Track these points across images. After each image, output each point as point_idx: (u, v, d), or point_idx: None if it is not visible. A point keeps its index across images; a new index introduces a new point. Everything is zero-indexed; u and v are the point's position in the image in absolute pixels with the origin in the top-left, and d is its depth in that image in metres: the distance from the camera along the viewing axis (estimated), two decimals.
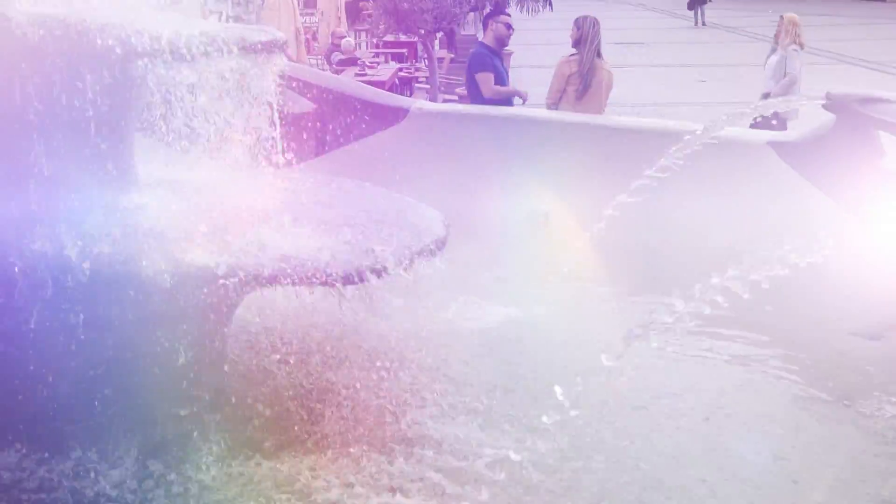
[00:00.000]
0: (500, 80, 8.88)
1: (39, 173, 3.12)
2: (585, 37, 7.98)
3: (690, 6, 34.29)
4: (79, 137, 3.15)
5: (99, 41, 2.88)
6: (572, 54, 8.18)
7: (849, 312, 4.78)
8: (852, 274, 4.89)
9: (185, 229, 3.13)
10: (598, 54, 8.06)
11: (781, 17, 10.53)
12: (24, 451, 3.18)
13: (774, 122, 8.51)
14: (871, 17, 34.57)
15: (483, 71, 8.70)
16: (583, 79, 7.96)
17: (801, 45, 10.46)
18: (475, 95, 8.75)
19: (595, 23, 8.05)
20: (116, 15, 3.09)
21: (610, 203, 4.80)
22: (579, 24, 8.08)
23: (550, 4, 18.00)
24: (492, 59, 8.83)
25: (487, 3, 15.03)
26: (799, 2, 44.75)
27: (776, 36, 10.62)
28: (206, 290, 2.90)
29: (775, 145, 5.38)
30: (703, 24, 32.97)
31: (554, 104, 8.18)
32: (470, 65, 9.02)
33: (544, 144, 6.22)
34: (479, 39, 9.36)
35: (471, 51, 9.59)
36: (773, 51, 10.62)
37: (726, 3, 44.38)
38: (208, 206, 3.37)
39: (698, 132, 4.74)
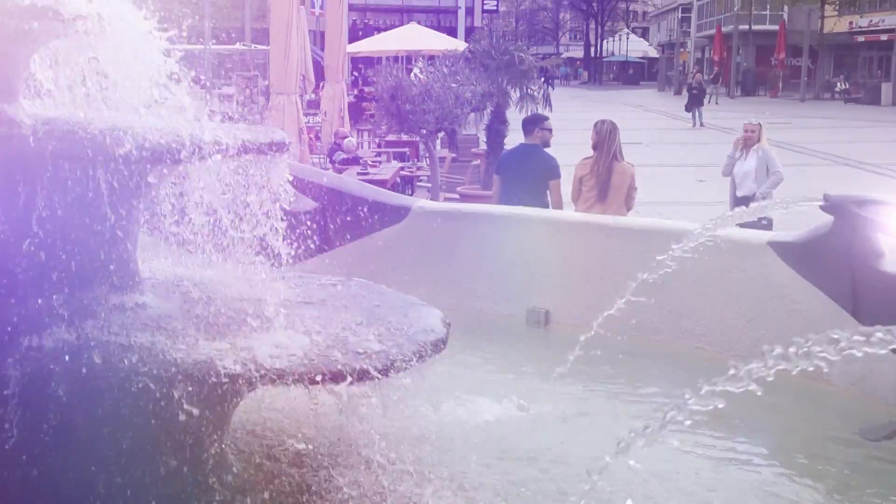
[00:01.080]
0: None
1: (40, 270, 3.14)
2: (603, 141, 8.08)
3: (688, 108, 34.93)
4: (82, 236, 3.18)
5: (107, 144, 2.91)
6: (587, 157, 8.30)
7: (855, 413, 4.75)
8: (856, 373, 4.89)
9: (190, 326, 3.14)
10: (617, 157, 8.12)
11: (760, 124, 10.57)
12: None
13: (764, 221, 8.59)
14: (867, 121, 35.14)
15: (559, 178, 8.46)
16: (599, 181, 8.06)
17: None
18: (536, 199, 8.05)
19: (613, 128, 8.15)
20: (123, 118, 3.14)
21: (609, 301, 4.81)
22: (598, 128, 8.20)
23: (550, 105, 18.29)
24: None
25: (489, 104, 15.28)
26: (795, 105, 45.67)
27: (741, 142, 10.59)
28: (207, 388, 2.89)
29: (775, 245, 5.42)
30: (701, 124, 33.47)
31: (572, 203, 8.33)
32: (543, 169, 8.46)
33: (544, 243, 6.28)
34: (526, 142, 8.69)
35: (524, 153, 8.74)
36: (735, 157, 10.60)
37: (722, 105, 45.20)
38: (211, 304, 3.38)
39: (697, 232, 4.78)
